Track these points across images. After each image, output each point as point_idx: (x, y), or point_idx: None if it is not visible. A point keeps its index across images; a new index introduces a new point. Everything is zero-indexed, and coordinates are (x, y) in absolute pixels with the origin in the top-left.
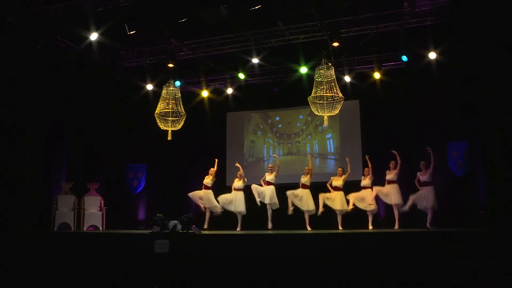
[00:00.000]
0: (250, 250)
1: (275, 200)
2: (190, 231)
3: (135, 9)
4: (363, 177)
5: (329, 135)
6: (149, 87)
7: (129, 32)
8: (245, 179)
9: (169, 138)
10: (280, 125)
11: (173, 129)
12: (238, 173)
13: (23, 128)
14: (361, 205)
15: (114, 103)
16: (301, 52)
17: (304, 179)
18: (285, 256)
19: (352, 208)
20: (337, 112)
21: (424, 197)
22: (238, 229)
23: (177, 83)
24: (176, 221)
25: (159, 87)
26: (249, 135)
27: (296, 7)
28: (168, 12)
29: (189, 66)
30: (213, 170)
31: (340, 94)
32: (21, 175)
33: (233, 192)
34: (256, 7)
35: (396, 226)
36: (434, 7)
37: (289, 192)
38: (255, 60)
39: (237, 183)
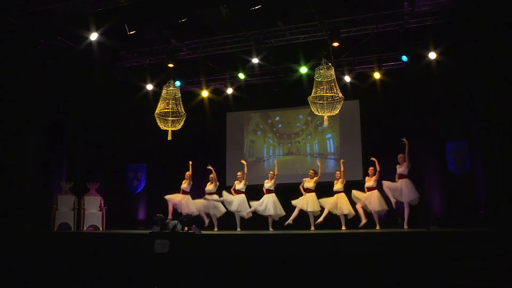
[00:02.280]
0: (250, 250)
1: (245, 208)
2: (190, 231)
3: (135, 9)
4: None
5: (329, 135)
6: (149, 87)
7: (129, 32)
8: (217, 182)
9: (169, 138)
10: (280, 125)
11: (173, 129)
12: (210, 176)
13: (23, 128)
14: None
15: (114, 103)
16: (301, 52)
17: (268, 184)
18: (285, 256)
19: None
20: (337, 112)
21: (397, 189)
22: (215, 229)
23: (177, 83)
24: (176, 221)
25: (159, 87)
26: (249, 135)
27: (296, 7)
28: (168, 12)
29: (189, 66)
30: (188, 173)
31: (340, 94)
32: (21, 175)
33: (206, 196)
34: (256, 7)
35: (378, 227)
36: (434, 7)
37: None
38: (255, 60)
39: (209, 186)
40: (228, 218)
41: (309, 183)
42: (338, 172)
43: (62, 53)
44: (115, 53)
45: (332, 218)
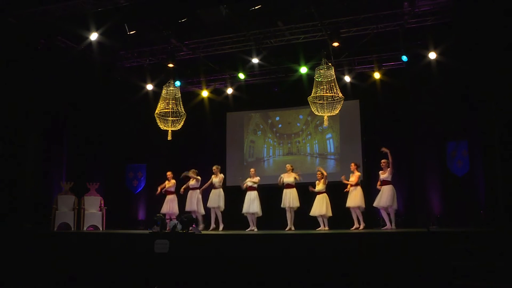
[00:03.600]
0: (250, 250)
1: (221, 204)
2: (190, 231)
3: (135, 9)
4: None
5: (329, 135)
6: (149, 87)
7: (129, 32)
8: (199, 177)
9: (169, 138)
10: (280, 125)
11: (173, 129)
12: (191, 171)
13: (23, 128)
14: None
15: (114, 103)
16: (301, 52)
17: (250, 182)
18: (285, 256)
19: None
20: (337, 112)
21: (380, 196)
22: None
23: (177, 83)
24: (176, 221)
25: (159, 87)
26: (249, 135)
27: (296, 7)
28: (168, 12)
29: (189, 66)
30: (170, 174)
31: (340, 94)
32: (21, 175)
33: (189, 193)
34: (256, 7)
35: (357, 225)
36: (434, 7)
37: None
38: (255, 60)
39: (191, 182)
40: (228, 218)
41: (288, 178)
42: (319, 173)
43: (62, 53)
44: (115, 53)
45: (331, 218)
